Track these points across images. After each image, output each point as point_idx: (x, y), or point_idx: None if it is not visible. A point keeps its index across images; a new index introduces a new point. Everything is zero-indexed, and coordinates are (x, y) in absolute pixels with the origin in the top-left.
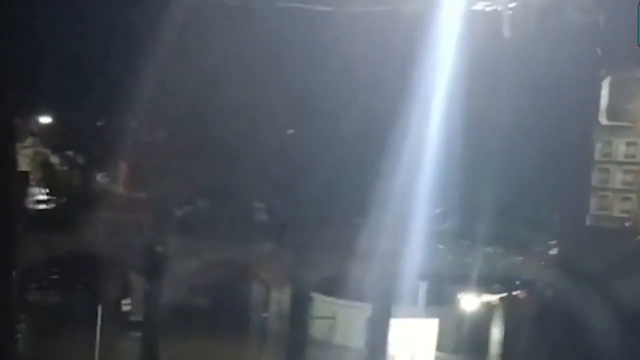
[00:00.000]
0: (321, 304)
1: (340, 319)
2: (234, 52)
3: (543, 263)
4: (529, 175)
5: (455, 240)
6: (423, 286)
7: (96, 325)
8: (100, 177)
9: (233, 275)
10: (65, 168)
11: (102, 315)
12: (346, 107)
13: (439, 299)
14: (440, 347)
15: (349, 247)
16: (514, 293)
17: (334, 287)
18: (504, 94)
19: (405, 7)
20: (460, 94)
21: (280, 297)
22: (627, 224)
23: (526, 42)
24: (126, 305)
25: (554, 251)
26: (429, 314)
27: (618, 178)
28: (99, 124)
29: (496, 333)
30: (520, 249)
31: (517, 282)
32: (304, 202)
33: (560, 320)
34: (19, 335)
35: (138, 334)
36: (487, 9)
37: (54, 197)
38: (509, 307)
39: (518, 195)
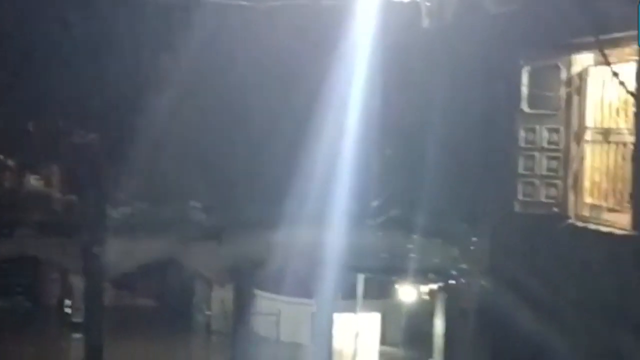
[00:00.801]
0: (264, 301)
1: (284, 316)
2: (156, 50)
3: (476, 251)
4: (459, 165)
5: (393, 233)
6: (364, 280)
7: (37, 328)
8: (33, 180)
9: (174, 275)
10: None
11: (43, 318)
12: (269, 101)
13: (380, 293)
14: (383, 341)
15: (290, 244)
16: (451, 283)
17: (276, 284)
18: (428, 85)
19: (324, 0)
20: (382, 86)
21: (223, 295)
22: (554, 209)
23: (446, 33)
24: (67, 307)
25: (485, 238)
26: (371, 308)
27: (543, 164)
28: (30, 126)
29: (438, 324)
30: (454, 238)
31: (454, 272)
32: (242, 200)
33: (495, 308)
34: None
35: (80, 336)
36: (406, 0)
37: None
38: (448, 297)
39: (450, 185)
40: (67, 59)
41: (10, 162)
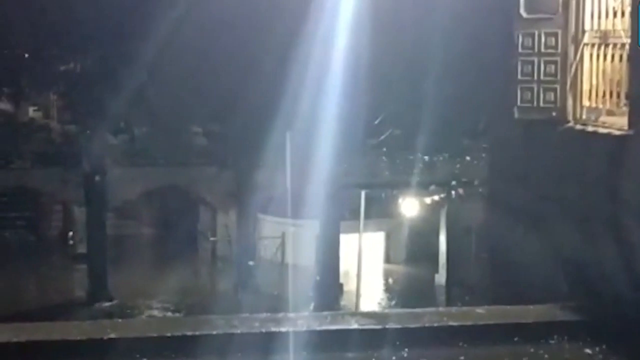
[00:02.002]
0: (268, 224)
1: (289, 238)
2: None
3: (477, 163)
4: (459, 77)
5: (395, 151)
6: (368, 200)
7: (41, 260)
8: (31, 111)
9: (177, 201)
10: None
11: (47, 250)
12: (264, 29)
13: (384, 212)
14: (387, 259)
15: (292, 165)
16: (453, 195)
17: (279, 207)
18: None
19: None
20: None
21: (227, 220)
22: (553, 114)
23: None
24: (71, 238)
25: (486, 149)
26: (375, 227)
27: (541, 69)
28: (26, 55)
29: (441, 241)
30: (456, 151)
31: (454, 183)
32: (243, 124)
33: (496, 220)
34: None
35: (84, 266)
36: None
37: None
38: (449, 213)
39: (450, 98)
40: None
41: (6, 92)
